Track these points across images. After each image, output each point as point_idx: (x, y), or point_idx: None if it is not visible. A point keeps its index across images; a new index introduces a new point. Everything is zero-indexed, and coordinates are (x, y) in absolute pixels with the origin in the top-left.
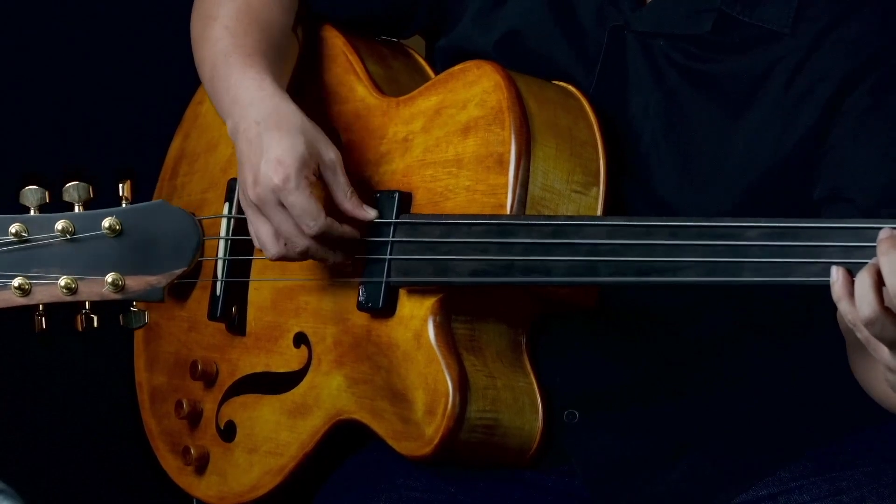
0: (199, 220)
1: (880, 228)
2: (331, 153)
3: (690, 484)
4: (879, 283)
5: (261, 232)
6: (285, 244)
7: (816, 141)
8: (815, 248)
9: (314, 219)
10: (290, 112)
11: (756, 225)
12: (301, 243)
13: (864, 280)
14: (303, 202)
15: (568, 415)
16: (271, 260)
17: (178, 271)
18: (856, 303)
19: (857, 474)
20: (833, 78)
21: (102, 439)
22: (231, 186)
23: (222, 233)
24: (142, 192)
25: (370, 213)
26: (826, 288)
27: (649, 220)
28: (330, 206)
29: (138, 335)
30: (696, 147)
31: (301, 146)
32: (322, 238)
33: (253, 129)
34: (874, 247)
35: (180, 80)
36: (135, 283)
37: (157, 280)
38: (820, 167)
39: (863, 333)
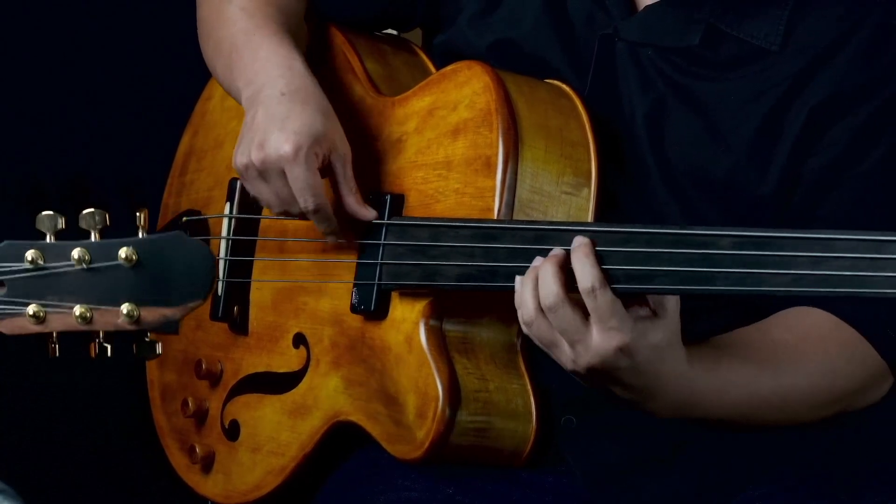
0: (217, 259)
1: (853, 240)
2: (345, 146)
3: (689, 484)
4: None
5: (261, 192)
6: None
7: (796, 170)
8: (786, 259)
9: (314, 195)
10: (318, 93)
11: (729, 234)
12: (298, 208)
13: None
14: (307, 176)
15: (566, 421)
16: (275, 214)
17: (194, 304)
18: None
19: (854, 471)
20: (811, 105)
21: (104, 438)
22: (232, 186)
23: (223, 233)
24: (152, 189)
25: (370, 213)
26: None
27: (626, 226)
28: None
29: None
30: (681, 163)
31: (320, 126)
32: (313, 216)
33: (276, 98)
34: (844, 258)
35: (190, 77)
36: (150, 314)
37: (173, 313)
38: (798, 192)
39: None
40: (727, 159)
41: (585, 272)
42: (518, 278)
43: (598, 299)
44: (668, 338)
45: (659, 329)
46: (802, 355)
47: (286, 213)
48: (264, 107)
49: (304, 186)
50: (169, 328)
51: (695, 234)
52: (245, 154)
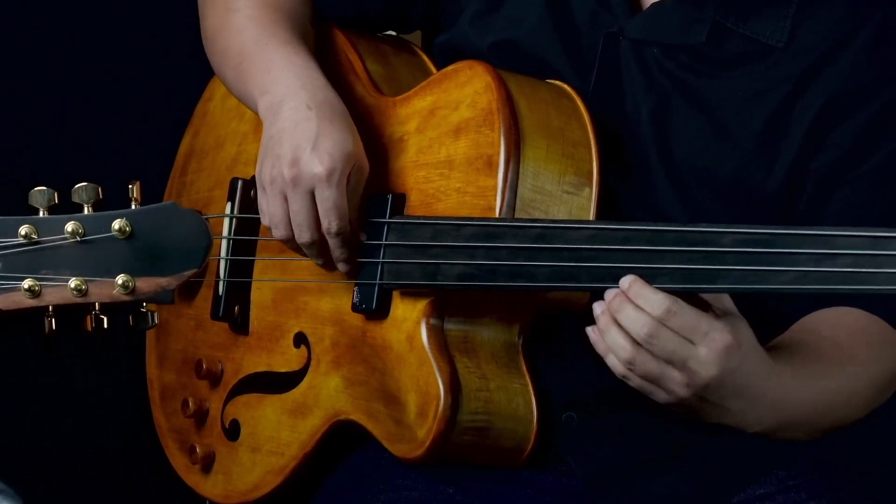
0: (208, 219)
1: (853, 237)
2: (366, 163)
3: (689, 484)
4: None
5: (275, 211)
6: (294, 230)
7: (802, 168)
8: (788, 256)
9: (341, 218)
10: (342, 110)
11: (731, 231)
12: (308, 235)
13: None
14: (337, 199)
15: (566, 418)
16: (276, 239)
17: (189, 273)
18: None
19: (853, 473)
20: (818, 105)
21: (104, 438)
22: (233, 186)
23: (224, 232)
24: (153, 189)
25: (360, 237)
26: (799, 295)
27: (628, 224)
28: None
29: (150, 331)
30: (687, 161)
31: (351, 146)
32: (333, 238)
33: (303, 111)
34: (845, 255)
35: (190, 77)
36: (145, 284)
37: (168, 282)
38: (802, 192)
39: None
40: (733, 157)
41: (652, 300)
42: (590, 330)
43: (678, 316)
44: (751, 333)
45: (740, 323)
46: (852, 351)
47: (287, 241)
48: (291, 121)
49: (331, 207)
50: (165, 297)
51: (697, 232)
52: (275, 168)
